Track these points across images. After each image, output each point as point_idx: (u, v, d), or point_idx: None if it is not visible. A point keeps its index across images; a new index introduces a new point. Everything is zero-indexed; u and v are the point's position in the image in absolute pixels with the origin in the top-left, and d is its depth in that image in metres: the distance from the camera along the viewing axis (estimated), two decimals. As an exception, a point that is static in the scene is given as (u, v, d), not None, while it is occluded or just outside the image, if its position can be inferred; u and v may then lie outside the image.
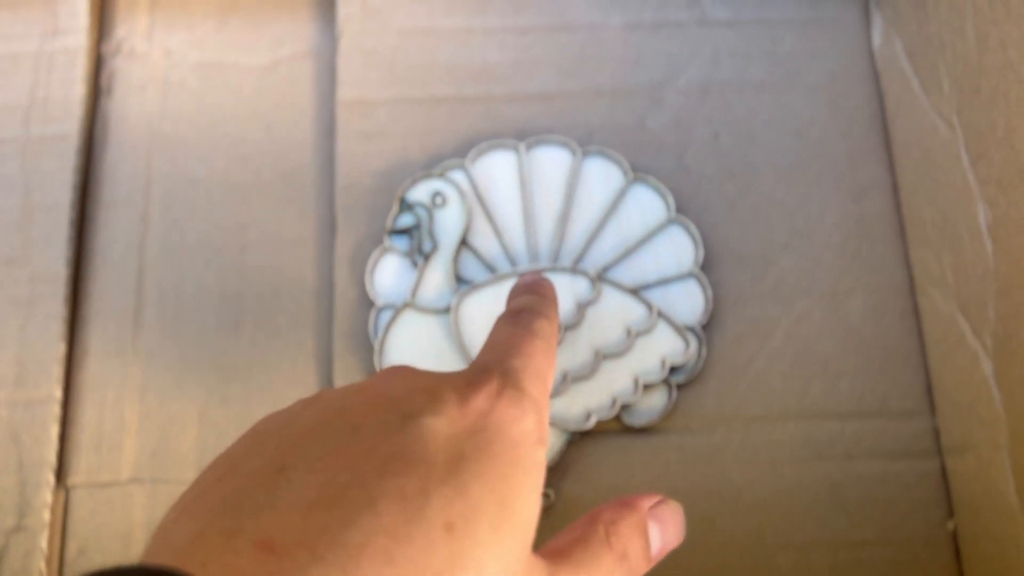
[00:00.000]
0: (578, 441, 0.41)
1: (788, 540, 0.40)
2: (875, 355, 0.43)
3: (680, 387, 0.42)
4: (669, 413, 0.42)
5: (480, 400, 0.25)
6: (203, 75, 0.48)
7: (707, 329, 0.43)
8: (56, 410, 0.42)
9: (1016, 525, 0.37)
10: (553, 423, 0.41)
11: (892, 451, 0.41)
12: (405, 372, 0.27)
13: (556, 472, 0.41)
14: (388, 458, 0.22)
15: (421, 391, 0.25)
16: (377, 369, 0.41)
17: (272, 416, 0.26)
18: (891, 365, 0.43)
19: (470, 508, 0.22)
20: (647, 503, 0.28)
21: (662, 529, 0.28)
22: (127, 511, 0.42)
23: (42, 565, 0.40)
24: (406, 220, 0.43)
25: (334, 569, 0.20)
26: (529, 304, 0.32)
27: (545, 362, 0.28)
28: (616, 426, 0.42)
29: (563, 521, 0.40)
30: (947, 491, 0.41)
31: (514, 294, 0.34)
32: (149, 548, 0.22)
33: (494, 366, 0.27)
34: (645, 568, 0.27)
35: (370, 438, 0.23)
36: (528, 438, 0.25)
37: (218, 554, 0.20)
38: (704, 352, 0.42)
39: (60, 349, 0.43)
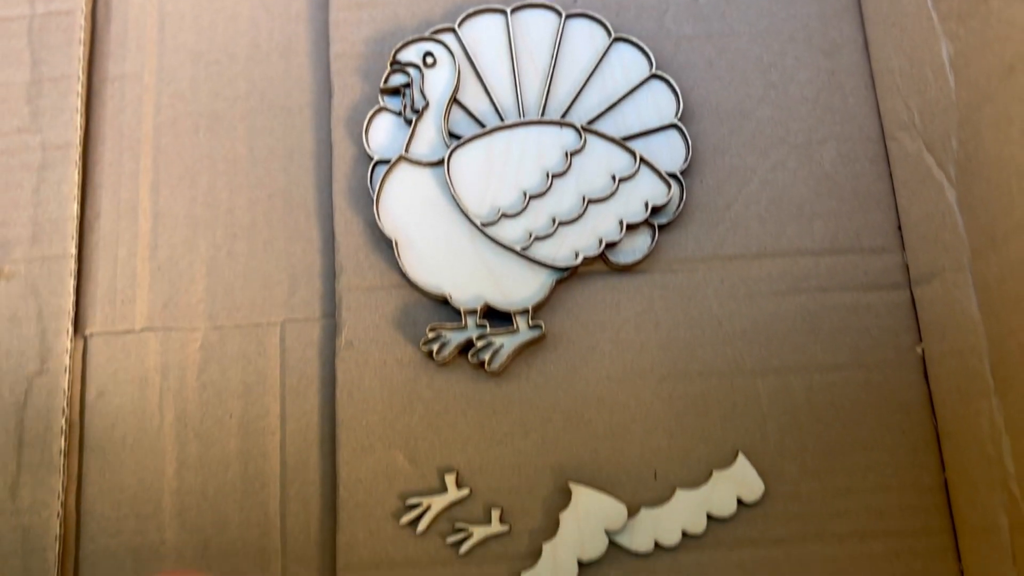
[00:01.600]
0: (567, 280, 0.44)
1: (766, 366, 0.43)
2: (847, 197, 0.45)
3: (662, 229, 0.44)
4: (652, 255, 0.44)
5: None
6: (200, -46, 0.50)
7: (687, 176, 0.45)
8: (72, 265, 0.45)
9: (977, 335, 0.39)
10: (542, 263, 0.43)
11: (864, 283, 0.44)
12: None
13: (545, 308, 0.44)
14: None
15: None
16: (376, 215, 0.44)
17: None
18: (863, 206, 0.45)
19: None
20: None
21: None
22: (141, 357, 0.44)
23: (64, 404, 0.43)
24: (398, 79, 0.46)
25: None
26: None
27: None
28: (602, 267, 0.44)
29: (554, 354, 0.43)
30: (915, 319, 0.44)
31: None
32: None
33: None
34: None
35: None
36: None
37: None
38: (685, 197, 0.44)
39: (73, 209, 0.45)
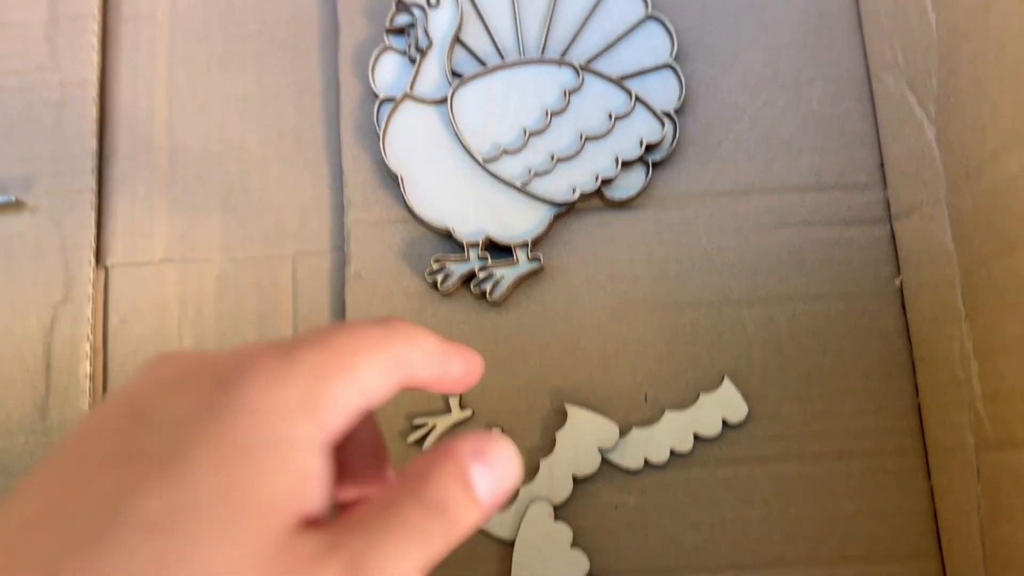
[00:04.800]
0: (564, 215, 0.46)
1: (752, 297, 0.45)
2: (833, 135, 0.47)
3: (656, 166, 0.46)
4: (646, 190, 0.46)
5: (236, 376, 0.21)
6: None
7: (681, 115, 0.47)
8: (92, 199, 0.47)
9: (951, 266, 0.42)
10: (540, 198, 0.45)
11: (847, 218, 0.46)
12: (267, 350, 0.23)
13: (544, 242, 0.46)
14: (116, 457, 0.20)
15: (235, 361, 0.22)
16: (382, 151, 0.46)
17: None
18: (847, 144, 0.47)
19: (183, 500, 0.19)
20: (466, 446, 0.24)
21: (489, 469, 0.24)
22: (161, 287, 0.47)
23: (88, 331, 0.45)
24: (403, 19, 0.47)
25: None
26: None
27: (355, 345, 0.23)
28: (599, 204, 0.46)
29: (552, 286, 0.45)
30: (895, 253, 0.46)
31: None
32: None
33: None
34: (476, 517, 0.23)
35: (134, 433, 0.21)
36: (283, 408, 0.21)
37: None
38: (678, 135, 0.46)
39: (92, 144, 0.47)
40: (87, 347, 0.45)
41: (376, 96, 0.47)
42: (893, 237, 0.46)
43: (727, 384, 0.44)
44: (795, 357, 0.45)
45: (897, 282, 0.46)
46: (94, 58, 0.48)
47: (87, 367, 0.45)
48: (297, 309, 0.46)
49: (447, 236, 0.46)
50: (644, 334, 0.45)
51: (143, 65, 0.49)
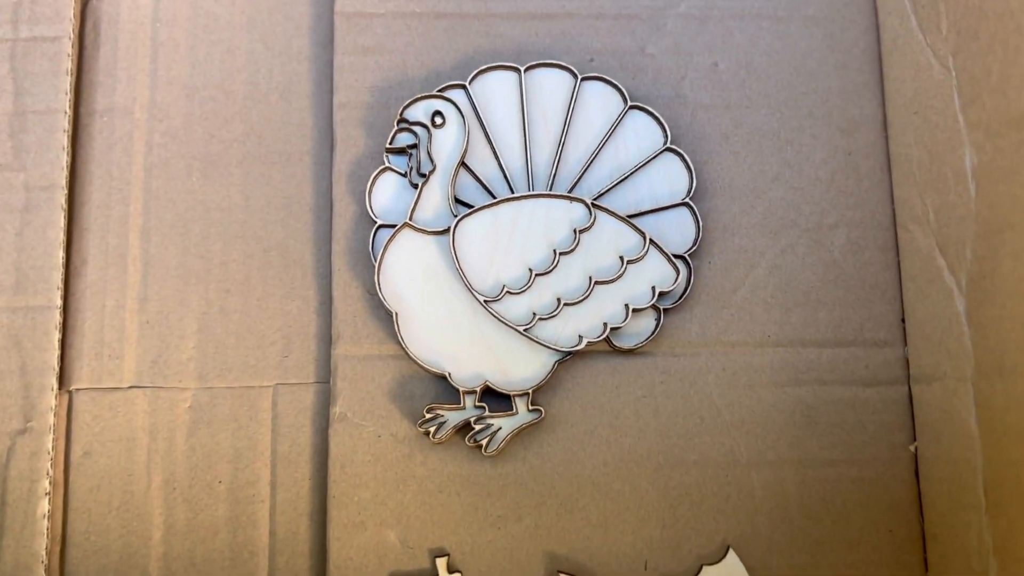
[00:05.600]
0: (568, 361, 0.43)
1: (761, 458, 0.43)
2: (854, 287, 0.45)
3: (667, 312, 0.44)
4: (656, 337, 0.43)
5: None
6: (197, -22, 0.47)
7: (696, 257, 0.44)
8: (57, 317, 0.43)
9: (973, 451, 0.39)
10: (544, 344, 0.42)
11: (864, 378, 0.44)
12: None
13: (546, 390, 0.43)
14: None
15: None
16: (376, 284, 0.42)
17: None
18: (868, 297, 0.45)
19: None
20: None
21: None
22: (129, 416, 0.43)
23: (48, 465, 0.42)
24: (405, 139, 0.44)
25: None
26: None
27: None
28: (605, 347, 0.44)
29: (551, 436, 0.43)
30: (912, 417, 0.44)
31: None
32: None
33: None
34: None
35: None
36: None
37: None
38: (692, 280, 0.44)
39: (59, 256, 0.43)
40: (46, 483, 0.42)
41: (373, 220, 0.44)
42: (910, 400, 0.44)
43: (732, 556, 0.42)
44: (803, 526, 0.43)
45: (912, 448, 0.43)
46: (63, 159, 0.44)
47: (45, 505, 0.41)
48: (276, 447, 0.43)
49: (442, 379, 0.43)
50: (647, 494, 0.42)
51: (117, 166, 0.45)
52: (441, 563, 0.41)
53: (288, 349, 0.44)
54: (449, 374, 0.42)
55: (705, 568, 0.41)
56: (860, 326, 0.44)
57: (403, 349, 0.42)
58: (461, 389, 0.42)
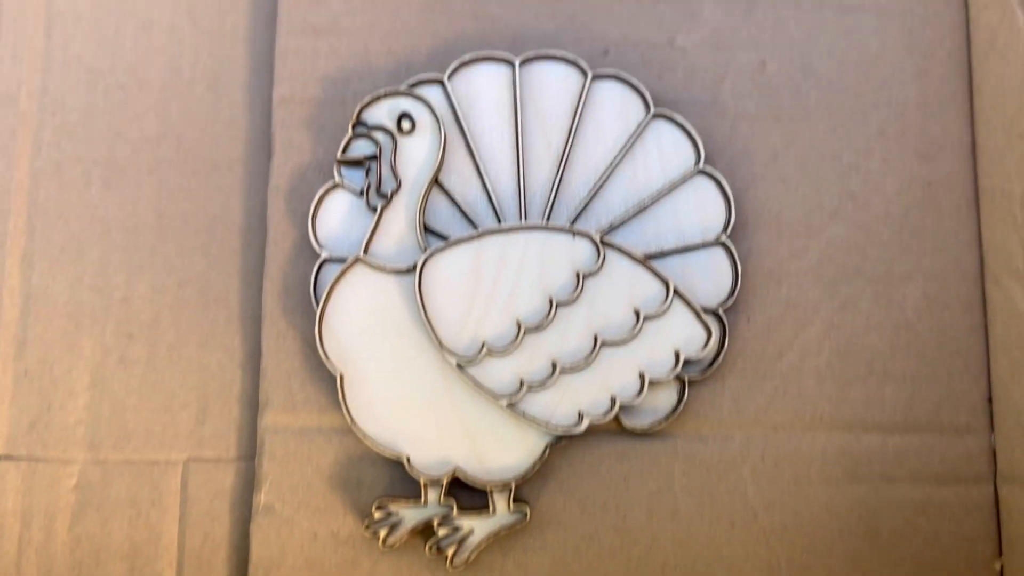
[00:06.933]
0: (564, 444, 0.33)
1: None
2: (929, 355, 0.35)
3: (692, 382, 0.34)
4: (678, 414, 0.34)
5: None
6: (106, -69, 0.37)
7: (731, 312, 0.35)
8: (-97, 365, 0.33)
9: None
10: (534, 420, 0.33)
11: (939, 474, 0.34)
12: None
13: (535, 482, 0.33)
14: None
15: None
16: (317, 338, 0.33)
17: None
18: (947, 369, 0.35)
19: None
20: None
21: None
22: (-4, 495, 0.34)
23: None
24: (363, 148, 0.34)
25: None
26: None
27: None
28: (612, 425, 0.34)
29: (539, 542, 0.33)
30: (997, 524, 0.35)
31: None
32: None
33: None
34: None
35: None
36: None
37: None
38: (727, 342, 0.34)
39: (-91, 287, 0.34)
40: None
41: (317, 251, 0.34)
42: (996, 502, 0.35)
43: None
44: (857, 665, 0.33)
45: (997, 566, 0.34)
46: (-79, 159, 0.34)
47: None
48: (184, 542, 0.34)
49: (399, 464, 0.33)
50: (658, 619, 0.33)
51: (-5, 170, 0.35)
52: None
53: (204, 414, 0.34)
54: (408, 458, 0.33)
55: None
56: (936, 407, 0.35)
57: (349, 422, 0.33)
58: (423, 479, 0.32)
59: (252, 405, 0.34)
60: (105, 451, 0.34)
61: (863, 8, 0.37)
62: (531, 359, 0.33)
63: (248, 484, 0.34)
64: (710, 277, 0.35)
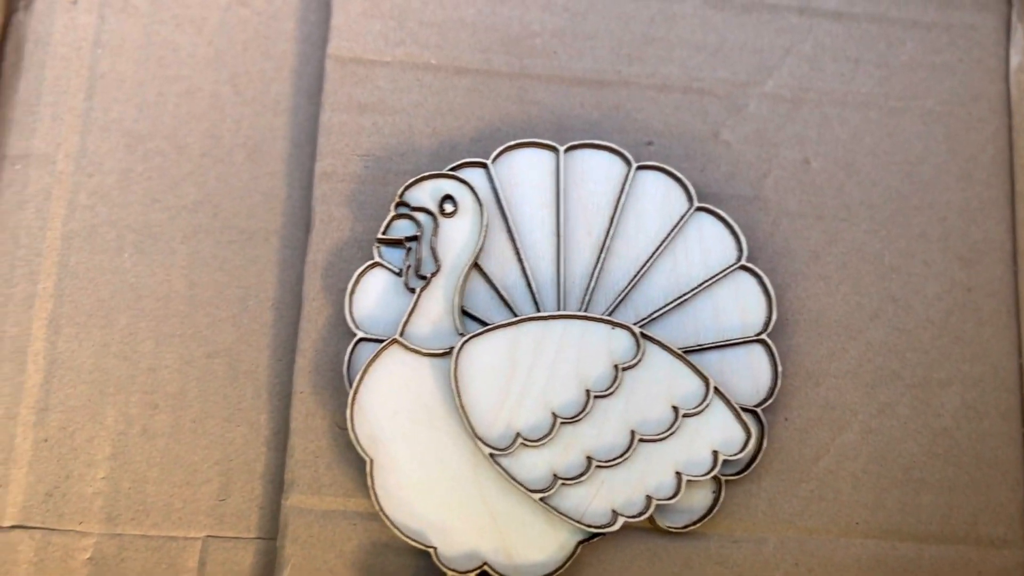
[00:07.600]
0: (595, 542, 0.33)
1: None
2: (968, 464, 0.35)
3: (728, 482, 0.33)
4: (713, 515, 0.33)
5: None
6: (155, -3, 0.37)
7: (769, 411, 0.34)
8: (-79, 428, 0.32)
9: None
10: (566, 516, 0.32)
11: (976, 589, 0.34)
12: None
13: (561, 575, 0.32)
14: None
15: None
16: (348, 419, 0.32)
17: None
18: (986, 479, 0.35)
19: None
20: None
21: None
22: (7, 567, 0.33)
23: None
24: (404, 228, 0.34)
25: None
26: None
27: None
28: (645, 523, 0.33)
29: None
30: (1035, 644, 0.34)
31: None
32: None
33: None
34: None
35: None
36: None
37: None
38: (764, 443, 0.33)
39: (-67, 348, 0.33)
40: None
41: (352, 330, 0.33)
42: (1034, 620, 0.34)
43: None
44: None
45: None
46: (-45, 218, 0.34)
47: None
48: (199, 624, 0.32)
49: (425, 554, 0.32)
50: None
51: (27, 231, 0.35)
52: None
53: (226, 491, 0.33)
54: (435, 549, 0.32)
55: None
56: (974, 517, 0.34)
57: (377, 508, 0.32)
58: (449, 572, 0.31)
59: (275, 484, 0.34)
60: (122, 524, 0.33)
61: (908, 110, 0.37)
62: (565, 452, 0.32)
63: (267, 565, 0.33)
64: (749, 375, 0.34)
